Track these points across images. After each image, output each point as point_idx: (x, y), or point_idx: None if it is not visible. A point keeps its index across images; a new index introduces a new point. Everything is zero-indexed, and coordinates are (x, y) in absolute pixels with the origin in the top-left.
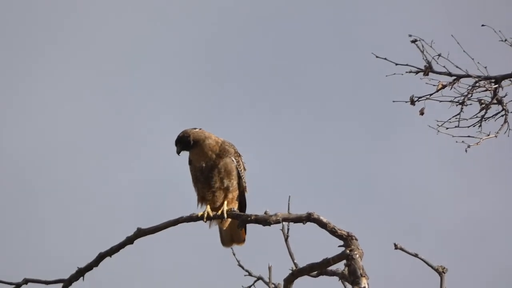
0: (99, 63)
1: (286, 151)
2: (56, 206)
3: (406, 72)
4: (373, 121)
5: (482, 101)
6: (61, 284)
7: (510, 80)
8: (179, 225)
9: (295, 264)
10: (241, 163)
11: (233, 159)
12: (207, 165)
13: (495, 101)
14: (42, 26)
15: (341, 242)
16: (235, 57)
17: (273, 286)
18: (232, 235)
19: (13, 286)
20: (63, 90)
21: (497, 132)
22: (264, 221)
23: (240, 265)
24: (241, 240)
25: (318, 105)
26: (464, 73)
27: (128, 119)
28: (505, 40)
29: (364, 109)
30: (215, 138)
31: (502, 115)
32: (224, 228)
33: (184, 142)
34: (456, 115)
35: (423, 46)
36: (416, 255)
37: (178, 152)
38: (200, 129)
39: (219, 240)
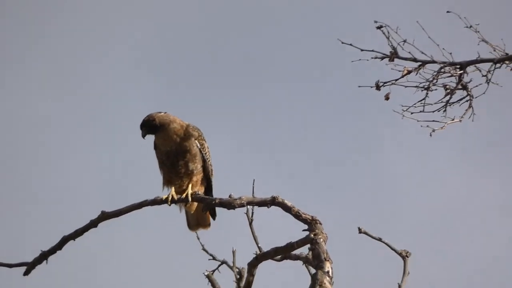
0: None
1: (252, 136)
2: (20, 188)
3: (372, 58)
4: (340, 107)
5: (447, 86)
6: (24, 268)
7: (475, 66)
8: (143, 208)
9: (259, 248)
10: (205, 146)
11: (197, 143)
12: (172, 149)
13: (460, 86)
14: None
15: (305, 226)
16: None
17: (237, 270)
18: (198, 219)
19: None
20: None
21: (462, 117)
22: (229, 204)
23: (204, 249)
24: (207, 224)
25: (284, 90)
26: (429, 59)
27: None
28: (470, 26)
29: (331, 95)
30: (179, 121)
31: (467, 100)
32: (192, 212)
33: (149, 126)
34: (421, 100)
35: (388, 32)
36: (379, 239)
37: (143, 136)
38: (165, 112)
39: (185, 224)
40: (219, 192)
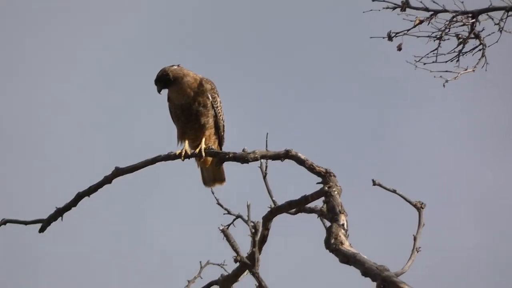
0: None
1: (265, 93)
2: (33, 147)
3: (383, 8)
4: (352, 59)
5: (460, 35)
6: (40, 225)
7: (487, 15)
8: (157, 164)
9: (273, 202)
10: (217, 100)
11: (209, 96)
12: (186, 102)
13: (472, 35)
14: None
15: (319, 179)
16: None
17: (252, 224)
18: (214, 175)
19: None
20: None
21: (475, 67)
22: (242, 158)
23: (219, 204)
24: (222, 179)
25: (295, 45)
26: (441, 8)
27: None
28: None
29: (342, 47)
30: (193, 75)
31: (480, 50)
32: (206, 167)
33: (164, 80)
34: (433, 50)
35: None
36: (394, 191)
37: (159, 91)
38: (178, 65)
39: (200, 179)
40: (231, 149)
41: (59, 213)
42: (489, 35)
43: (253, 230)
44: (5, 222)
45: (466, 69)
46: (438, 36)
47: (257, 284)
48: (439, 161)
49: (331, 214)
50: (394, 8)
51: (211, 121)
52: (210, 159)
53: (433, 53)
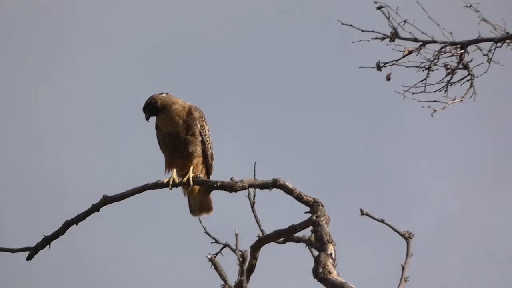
0: None
1: (253, 121)
2: (22, 173)
3: (372, 38)
4: (338, 89)
5: (448, 66)
6: (27, 252)
7: (475, 46)
8: (145, 192)
9: (261, 231)
10: (206, 128)
11: (198, 124)
12: (174, 130)
13: (461, 66)
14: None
15: (308, 209)
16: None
17: (240, 253)
18: (201, 204)
19: None
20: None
21: (463, 97)
22: (230, 187)
23: (206, 232)
24: (209, 209)
25: (284, 72)
26: (430, 39)
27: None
28: (470, 5)
29: (330, 77)
30: (182, 103)
31: (468, 80)
32: (193, 196)
33: (152, 108)
34: (422, 80)
35: (388, 13)
36: (382, 221)
37: (147, 119)
38: (167, 93)
39: (187, 209)
40: (219, 178)
41: (46, 241)
42: (478, 65)
43: (241, 259)
44: None
45: (454, 99)
46: (426, 67)
47: None
48: (429, 192)
49: (319, 243)
50: (383, 39)
51: (199, 149)
52: (197, 187)
53: (422, 83)
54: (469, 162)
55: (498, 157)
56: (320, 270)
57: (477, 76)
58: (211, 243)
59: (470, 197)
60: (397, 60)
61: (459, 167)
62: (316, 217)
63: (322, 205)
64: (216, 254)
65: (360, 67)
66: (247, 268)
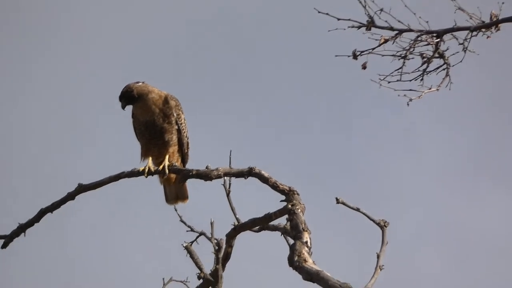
0: None
1: (229, 110)
2: None
3: (349, 27)
4: (314, 78)
5: (424, 55)
6: (2, 240)
7: (451, 34)
8: (120, 180)
9: (237, 219)
10: (182, 117)
11: (174, 113)
12: (151, 119)
13: (437, 55)
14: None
15: (283, 197)
16: None
17: (215, 241)
18: (177, 192)
19: None
20: None
21: (439, 86)
22: (206, 176)
23: (182, 221)
24: (185, 197)
25: (261, 60)
26: (406, 28)
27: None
28: None
29: (307, 63)
30: (158, 91)
31: (444, 69)
32: (169, 185)
33: (128, 97)
34: (398, 69)
35: (365, 1)
36: (357, 209)
37: (123, 107)
38: (143, 82)
39: (163, 197)
40: (195, 166)
41: (21, 229)
42: (454, 54)
43: (217, 247)
44: None
45: (430, 88)
46: (402, 55)
47: None
48: (405, 182)
49: (294, 231)
50: (359, 27)
51: (175, 138)
52: (173, 176)
53: (398, 72)
54: (447, 152)
55: (475, 148)
56: (296, 258)
57: (453, 65)
58: (187, 231)
59: (448, 189)
60: (373, 49)
61: (439, 158)
62: (292, 205)
63: (298, 194)
64: (192, 242)
65: (336, 56)
66: (223, 257)
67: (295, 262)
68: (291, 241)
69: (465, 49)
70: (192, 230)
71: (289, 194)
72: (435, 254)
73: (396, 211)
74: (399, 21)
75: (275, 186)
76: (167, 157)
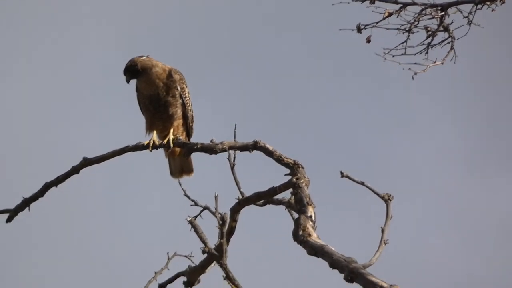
0: None
1: (234, 84)
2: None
3: (353, 0)
4: (320, 51)
5: (429, 28)
6: (7, 215)
7: (456, 8)
8: (125, 154)
9: (241, 193)
10: (186, 91)
11: (178, 87)
12: (155, 93)
13: (441, 28)
14: None
15: (288, 171)
16: None
17: (219, 215)
18: (182, 166)
19: None
20: None
21: (444, 59)
22: (211, 149)
23: (186, 195)
24: (190, 170)
25: (263, 36)
26: (410, 1)
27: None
28: None
29: (311, 38)
30: (162, 65)
31: (448, 42)
32: (174, 158)
33: (132, 71)
34: (402, 43)
35: None
36: (362, 183)
37: (128, 81)
38: (147, 56)
39: (167, 170)
40: (199, 140)
41: (26, 203)
42: (458, 28)
43: (221, 222)
44: None
45: (435, 62)
46: (407, 29)
47: (225, 275)
48: (411, 157)
49: (299, 205)
50: (363, 1)
51: (179, 111)
52: (178, 149)
53: (402, 46)
54: (453, 133)
55: (482, 125)
56: (300, 232)
57: (458, 39)
58: (191, 205)
59: (455, 171)
60: (377, 22)
61: (443, 135)
62: (296, 179)
63: (302, 167)
64: (196, 216)
65: (340, 30)
66: (227, 231)
67: (300, 236)
68: (296, 215)
69: (470, 22)
70: (196, 204)
71: (293, 168)
72: (441, 235)
73: (403, 194)
74: None
75: (279, 160)
76: (171, 130)
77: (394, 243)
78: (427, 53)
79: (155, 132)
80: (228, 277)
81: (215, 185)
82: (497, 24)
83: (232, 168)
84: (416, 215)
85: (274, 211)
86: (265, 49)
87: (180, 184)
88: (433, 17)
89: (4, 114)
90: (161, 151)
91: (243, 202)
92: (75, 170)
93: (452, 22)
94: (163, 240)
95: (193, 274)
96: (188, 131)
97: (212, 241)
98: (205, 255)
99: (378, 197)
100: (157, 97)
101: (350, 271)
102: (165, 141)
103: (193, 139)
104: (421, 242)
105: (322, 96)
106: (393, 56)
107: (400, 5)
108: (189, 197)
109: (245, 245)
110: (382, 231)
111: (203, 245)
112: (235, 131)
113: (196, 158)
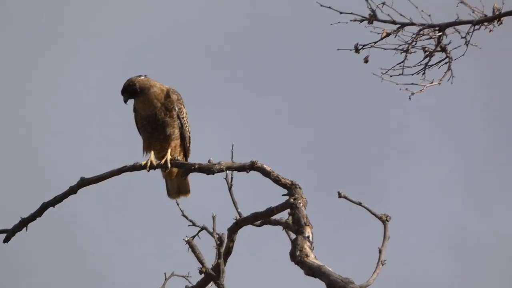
0: None
1: (231, 105)
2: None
3: (351, 20)
4: (316, 71)
5: (426, 48)
6: (4, 235)
7: (453, 28)
8: (122, 174)
9: (239, 213)
10: (183, 111)
11: (175, 107)
12: (152, 113)
13: (439, 48)
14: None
15: (285, 191)
16: None
17: (217, 235)
18: (178, 186)
19: None
20: None
21: (441, 79)
22: (208, 170)
23: (184, 215)
24: (187, 191)
25: (262, 55)
26: (408, 21)
27: None
28: None
29: (308, 57)
30: (160, 86)
31: (446, 63)
32: (171, 179)
33: (130, 90)
34: (400, 63)
35: None
36: (360, 204)
37: (125, 101)
38: (145, 76)
39: (165, 191)
40: (196, 160)
41: (24, 223)
42: (456, 48)
43: (218, 242)
44: None
45: (432, 82)
46: (404, 49)
47: None
48: (409, 188)
49: (296, 226)
50: (361, 21)
51: (177, 132)
52: (175, 170)
53: (400, 66)
54: (449, 150)
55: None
56: (298, 253)
57: (455, 59)
58: (188, 226)
59: (454, 196)
60: (375, 42)
61: (440, 159)
62: (294, 199)
63: (300, 188)
64: (194, 237)
65: (338, 49)
66: (225, 251)
67: (297, 257)
68: (293, 236)
69: (467, 42)
70: (193, 224)
71: (291, 188)
72: (440, 259)
73: (401, 218)
74: (401, 15)
75: (277, 180)
76: (169, 151)
77: (391, 264)
78: (424, 73)
79: (152, 152)
80: None
81: (212, 205)
82: (495, 44)
83: (230, 189)
84: (414, 236)
85: (272, 231)
86: (262, 69)
87: (177, 204)
88: (430, 38)
89: (1, 133)
90: (158, 171)
91: (241, 222)
92: (72, 190)
93: (449, 43)
94: (160, 260)
95: None
96: (186, 151)
97: (210, 261)
98: (203, 275)
99: (375, 218)
100: (155, 117)
101: None
102: (163, 161)
103: (190, 159)
104: (418, 264)
105: (319, 117)
106: (391, 76)
107: (398, 25)
108: (187, 217)
109: (243, 265)
110: (380, 251)
111: (200, 265)
112: (232, 152)
113: (194, 178)
